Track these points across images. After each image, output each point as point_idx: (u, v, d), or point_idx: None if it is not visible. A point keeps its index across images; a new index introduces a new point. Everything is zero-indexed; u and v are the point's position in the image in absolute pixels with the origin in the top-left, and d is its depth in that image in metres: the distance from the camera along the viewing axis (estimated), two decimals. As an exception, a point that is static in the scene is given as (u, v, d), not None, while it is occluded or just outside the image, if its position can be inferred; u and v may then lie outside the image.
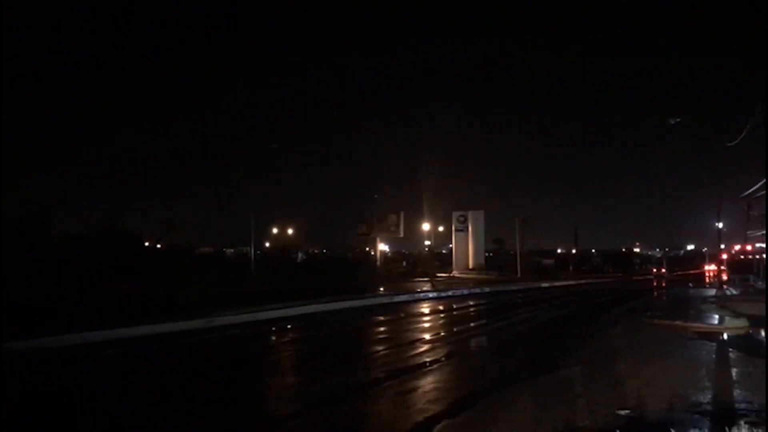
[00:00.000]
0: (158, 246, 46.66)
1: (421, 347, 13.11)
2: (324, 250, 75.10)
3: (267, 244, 59.55)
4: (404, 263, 66.90)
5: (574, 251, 77.54)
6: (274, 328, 17.32)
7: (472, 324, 18.76)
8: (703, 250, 75.81)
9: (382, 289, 32.14)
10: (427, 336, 15.28)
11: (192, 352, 13.60)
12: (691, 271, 61.47)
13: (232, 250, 56.45)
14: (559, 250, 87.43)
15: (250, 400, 8.52)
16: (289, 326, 17.89)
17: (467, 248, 59.54)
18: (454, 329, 17.07)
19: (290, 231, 59.56)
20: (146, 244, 44.20)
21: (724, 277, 38.04)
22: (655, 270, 65.10)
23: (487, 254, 63.95)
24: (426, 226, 58.04)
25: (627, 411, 7.05)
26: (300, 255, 57.47)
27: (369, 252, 61.42)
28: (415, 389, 8.75)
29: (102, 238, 26.36)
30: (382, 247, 56.98)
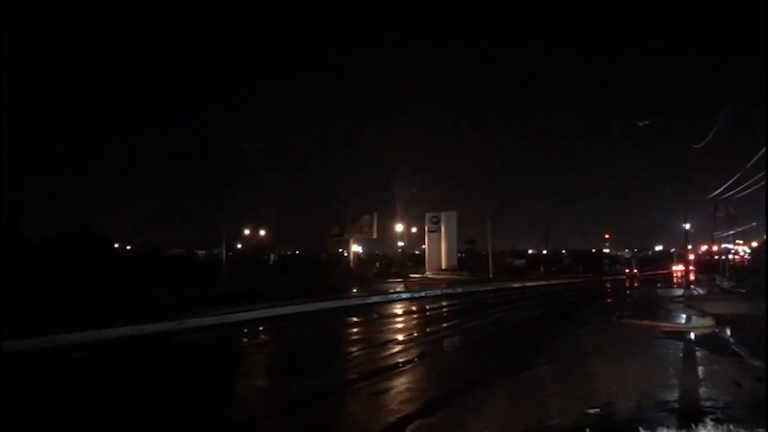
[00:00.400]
0: (129, 248, 46.03)
1: (395, 348, 13.15)
2: (297, 252, 74.67)
3: (239, 246, 59.03)
4: (378, 264, 66.84)
5: (545, 252, 78.29)
6: (246, 330, 17.22)
7: (445, 324, 18.86)
8: (671, 250, 77.19)
9: (355, 290, 32.11)
10: (400, 337, 15.34)
11: (163, 354, 13.47)
12: (660, 272, 62.62)
13: (204, 252, 55.83)
14: (530, 251, 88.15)
15: (221, 403, 8.46)
16: (261, 328, 17.80)
17: (440, 249, 59.72)
18: (427, 330, 17.15)
19: (262, 232, 59.18)
20: (117, 245, 43.52)
21: (692, 277, 38.79)
22: (627, 270, 66.23)
23: (459, 255, 64.16)
24: (399, 227, 58.19)
25: (597, 410, 7.17)
26: (272, 256, 57.05)
27: (342, 253, 61.30)
28: (388, 390, 8.78)
29: (73, 239, 25.89)
30: (356, 248, 56.92)
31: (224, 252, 39.57)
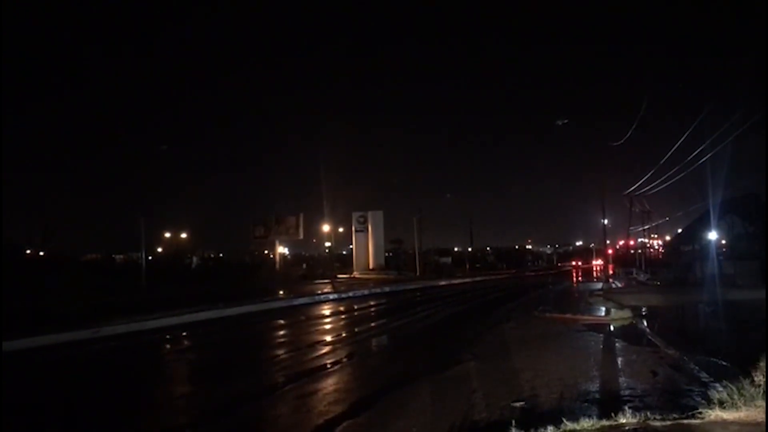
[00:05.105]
0: (41, 254, 43.75)
1: (322, 349, 12.99)
2: (220, 254, 73.02)
3: (159, 250, 57.13)
4: (304, 265, 66.31)
5: (470, 249, 79.89)
6: (168, 337, 16.60)
7: (372, 324, 18.83)
8: (591, 245, 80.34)
9: (281, 292, 31.67)
10: (328, 338, 15.18)
11: (78, 364, 12.78)
12: (582, 266, 65.10)
13: (121, 257, 53.73)
14: (456, 249, 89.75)
15: (141, 412, 8.10)
16: (184, 334, 17.22)
17: (367, 249, 59.84)
18: (355, 330, 17.06)
19: (184, 235, 57.43)
20: (27, 252, 41.26)
21: (610, 270, 40.31)
22: (575, 263, 68.40)
23: (387, 254, 64.50)
24: (326, 228, 57.92)
25: (521, 403, 7.29)
26: (195, 260, 55.50)
27: (268, 255, 60.41)
28: (316, 392, 8.65)
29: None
30: (282, 249, 56.24)
31: (143, 256, 38.19)
